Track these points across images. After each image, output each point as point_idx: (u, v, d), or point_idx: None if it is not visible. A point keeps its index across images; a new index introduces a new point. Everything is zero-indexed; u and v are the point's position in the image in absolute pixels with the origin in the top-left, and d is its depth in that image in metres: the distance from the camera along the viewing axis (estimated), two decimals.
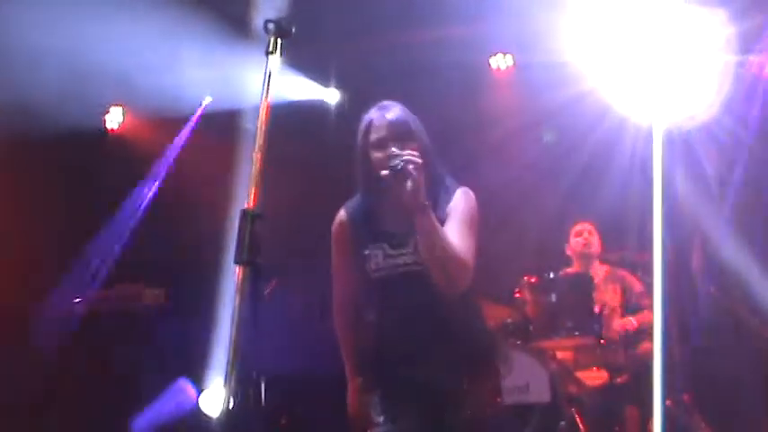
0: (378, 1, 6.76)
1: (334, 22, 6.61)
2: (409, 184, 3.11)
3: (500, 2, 6.40)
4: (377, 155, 3.34)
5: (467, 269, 3.22)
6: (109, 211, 7.80)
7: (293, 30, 2.57)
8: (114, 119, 8.15)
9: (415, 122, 3.42)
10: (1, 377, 7.00)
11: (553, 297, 6.16)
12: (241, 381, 2.92)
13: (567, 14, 5.96)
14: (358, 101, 7.71)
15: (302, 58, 6.50)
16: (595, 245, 6.58)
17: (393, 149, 3.24)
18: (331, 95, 7.87)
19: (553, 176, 7.17)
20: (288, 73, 6.88)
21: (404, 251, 3.32)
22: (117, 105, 8.10)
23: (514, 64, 7.47)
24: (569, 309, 6.13)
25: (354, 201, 3.55)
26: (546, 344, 6.11)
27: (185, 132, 7.82)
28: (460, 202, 3.37)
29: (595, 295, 6.23)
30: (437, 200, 3.34)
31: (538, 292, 6.23)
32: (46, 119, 6.99)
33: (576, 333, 6.09)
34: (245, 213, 2.32)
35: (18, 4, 6.36)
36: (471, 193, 3.44)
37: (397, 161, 3.17)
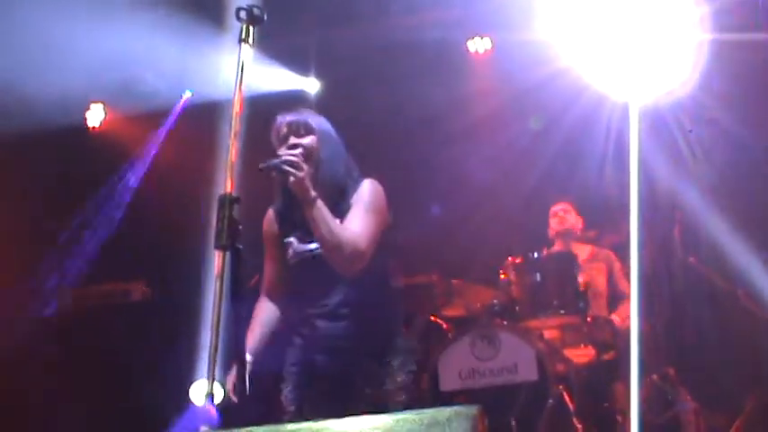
0: None
1: (312, 11, 6.62)
2: (291, 179, 3.35)
3: None
4: (280, 151, 3.58)
5: (358, 253, 3.45)
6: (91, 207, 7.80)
7: (265, 17, 2.61)
8: (96, 116, 8.13)
9: (317, 121, 3.67)
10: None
11: (537, 276, 6.21)
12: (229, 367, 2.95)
13: None
14: (338, 90, 7.74)
15: (280, 49, 6.51)
16: (571, 222, 6.63)
17: (290, 142, 3.55)
18: (311, 85, 7.88)
19: (531, 156, 7.20)
20: (267, 63, 6.88)
21: (314, 238, 3.53)
22: (97, 102, 8.07)
23: (492, 46, 7.49)
24: (554, 287, 6.18)
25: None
26: (532, 323, 6.16)
27: (165, 126, 7.80)
28: (364, 191, 3.62)
29: (580, 274, 6.27)
30: (344, 190, 3.61)
31: (522, 272, 6.27)
32: (26, 117, 6.98)
33: (562, 311, 6.13)
34: (222, 199, 2.35)
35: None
36: (377, 183, 3.68)
37: (276, 161, 3.43)
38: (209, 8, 6.47)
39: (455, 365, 5.91)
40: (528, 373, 5.75)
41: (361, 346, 3.56)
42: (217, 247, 2.35)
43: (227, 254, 2.38)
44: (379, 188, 3.67)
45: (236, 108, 2.48)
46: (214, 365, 2.28)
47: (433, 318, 6.57)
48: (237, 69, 2.56)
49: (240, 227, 2.36)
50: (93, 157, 7.95)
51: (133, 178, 7.98)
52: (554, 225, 6.65)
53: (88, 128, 8.11)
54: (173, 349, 6.96)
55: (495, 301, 6.27)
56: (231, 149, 2.40)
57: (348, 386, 3.52)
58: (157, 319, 7.24)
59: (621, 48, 4.20)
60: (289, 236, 3.67)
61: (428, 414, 2.16)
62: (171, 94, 7.72)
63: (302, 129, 3.59)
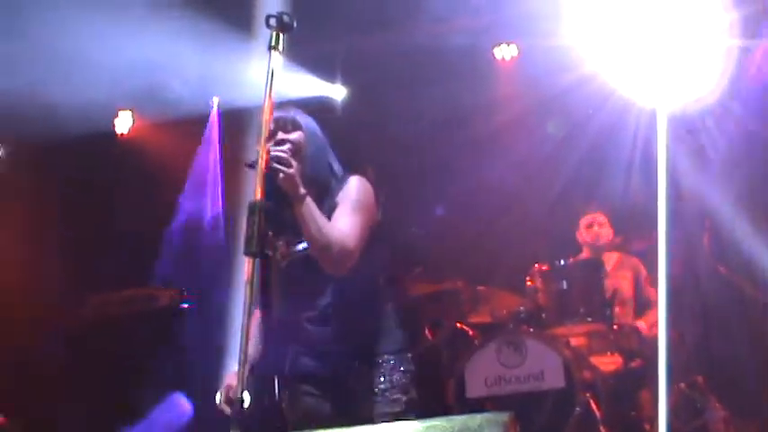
0: None
1: (339, 18, 6.63)
2: (281, 176, 3.26)
3: None
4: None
5: (347, 252, 3.38)
6: (122, 215, 7.83)
7: (295, 24, 2.60)
8: (124, 123, 8.18)
9: (304, 118, 3.61)
10: (16, 384, 7.09)
11: (564, 284, 6.19)
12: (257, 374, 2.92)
13: None
14: (364, 96, 7.75)
15: (307, 55, 6.53)
16: (605, 236, 6.59)
17: (277, 137, 3.46)
18: (337, 91, 7.89)
19: (557, 162, 7.19)
20: (293, 70, 6.91)
21: (303, 238, 3.47)
22: (125, 109, 8.13)
23: (519, 53, 7.47)
24: (581, 295, 6.17)
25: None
26: (559, 331, 6.14)
27: (203, 135, 7.82)
28: (351, 189, 3.55)
29: (607, 282, 6.25)
30: (328, 188, 3.55)
31: (549, 279, 6.26)
32: (55, 125, 7.05)
33: (589, 319, 6.12)
34: (253, 205, 2.35)
35: (23, 8, 6.41)
36: (365, 180, 3.61)
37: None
38: (235, 14, 6.49)
39: (481, 372, 5.91)
40: (555, 380, 5.74)
41: (351, 347, 3.50)
42: (246, 254, 2.35)
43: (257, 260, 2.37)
44: (367, 185, 3.61)
45: (266, 115, 2.49)
46: (244, 371, 2.29)
47: (458, 324, 6.56)
48: (267, 76, 2.56)
49: (270, 233, 2.36)
50: (122, 164, 8.00)
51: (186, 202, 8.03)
52: (587, 238, 6.58)
53: (116, 135, 8.15)
54: (199, 355, 6.99)
55: (521, 307, 6.26)
56: (261, 156, 2.41)
57: (340, 388, 3.47)
58: (184, 324, 7.28)
59: (649, 53, 4.17)
60: (277, 236, 3.51)
61: (459, 421, 2.16)
62: (198, 101, 7.76)
63: (289, 125, 3.55)
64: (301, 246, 3.48)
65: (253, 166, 3.19)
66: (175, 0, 6.44)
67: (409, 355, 3.62)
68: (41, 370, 7.29)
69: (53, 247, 7.57)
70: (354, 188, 3.54)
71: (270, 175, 3.26)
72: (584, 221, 6.62)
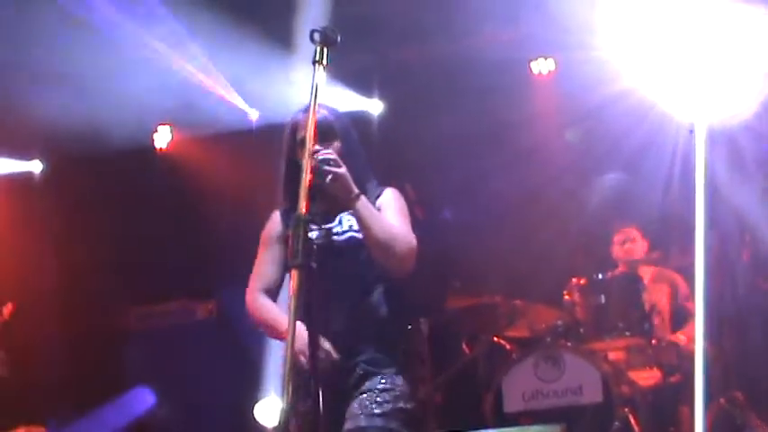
0: (418, 9, 6.82)
1: (376, 32, 6.67)
2: (330, 177, 3.17)
3: (538, 3, 6.44)
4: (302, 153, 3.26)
5: (412, 247, 3.32)
6: (162, 228, 7.90)
7: (339, 38, 2.62)
8: (163, 138, 8.25)
9: (339, 122, 3.47)
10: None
11: (602, 298, 6.18)
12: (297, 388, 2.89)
13: (607, 11, 5.95)
14: (401, 110, 7.78)
15: (344, 69, 6.56)
16: (639, 251, 6.59)
17: (321, 150, 3.25)
18: (374, 106, 7.93)
19: (594, 176, 7.18)
20: (331, 84, 6.94)
21: (330, 225, 3.34)
22: (165, 124, 8.21)
23: (556, 67, 7.47)
24: (619, 309, 6.15)
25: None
26: (597, 345, 6.13)
27: (240, 149, 7.85)
28: (392, 198, 3.48)
29: (645, 295, 6.23)
30: (365, 192, 3.37)
31: (587, 293, 6.25)
32: (97, 139, 7.14)
33: (627, 333, 6.10)
34: (298, 219, 2.38)
35: (60, 27, 6.50)
36: (398, 191, 3.54)
37: (317, 165, 3.19)
38: (274, 28, 6.55)
39: (519, 386, 5.91)
40: (593, 395, 5.73)
41: (353, 351, 3.30)
42: (292, 266, 2.37)
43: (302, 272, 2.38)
44: (401, 195, 3.55)
45: (311, 130, 2.51)
46: (289, 383, 2.31)
47: (496, 338, 6.56)
48: (311, 91, 2.58)
49: (315, 246, 2.38)
50: (161, 178, 8.07)
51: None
52: (619, 253, 6.60)
53: (155, 149, 8.23)
54: (237, 368, 7.04)
55: (559, 322, 6.25)
56: (306, 170, 2.44)
57: (341, 391, 3.28)
58: (222, 337, 7.34)
59: (687, 67, 4.17)
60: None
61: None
62: (236, 115, 7.82)
63: (326, 129, 3.36)
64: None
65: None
66: (214, 15, 6.50)
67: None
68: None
69: (94, 260, 7.65)
70: (394, 197, 3.49)
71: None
72: (617, 237, 6.64)
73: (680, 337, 6.18)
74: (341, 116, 3.51)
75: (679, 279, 6.50)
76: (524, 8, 6.63)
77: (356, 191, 3.24)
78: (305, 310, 2.44)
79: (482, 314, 6.65)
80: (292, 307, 2.35)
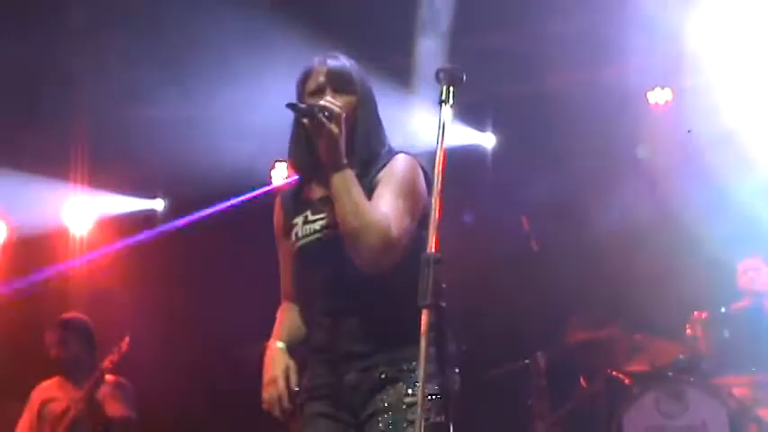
0: (532, 44, 6.82)
1: (490, 67, 6.68)
2: (324, 131, 2.76)
3: (652, 34, 6.36)
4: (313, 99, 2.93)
5: (389, 242, 2.74)
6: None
7: (464, 77, 2.64)
8: (280, 174, 8.36)
9: (358, 73, 3.03)
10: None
11: (726, 332, 6.05)
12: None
13: (722, 38, 5.86)
14: (514, 144, 7.77)
15: (458, 105, 6.59)
16: (763, 282, 6.41)
17: (328, 98, 2.86)
18: (487, 140, 7.94)
19: (719, 207, 7.01)
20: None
21: (322, 215, 2.92)
22: (282, 161, 8.33)
23: (673, 97, 7.36)
24: (744, 344, 6.00)
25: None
26: (720, 381, 5.98)
27: None
28: (397, 165, 2.91)
29: None
30: (372, 160, 2.95)
31: (710, 327, 6.13)
32: (217, 178, 7.32)
33: (753, 369, 5.95)
34: (427, 258, 2.40)
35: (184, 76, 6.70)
36: (414, 159, 2.97)
37: (311, 105, 2.84)
38: (391, 66, 6.61)
39: (640, 422, 5.82)
40: None
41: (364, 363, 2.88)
42: (421, 306, 2.38)
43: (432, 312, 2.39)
44: (415, 164, 2.95)
45: (439, 167, 2.52)
46: (421, 424, 2.32)
47: (614, 372, 6.46)
48: (438, 130, 2.59)
49: (444, 285, 2.39)
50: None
51: None
52: (745, 284, 6.43)
53: (272, 185, 8.36)
54: None
55: (680, 356, 6.12)
56: (435, 208, 2.45)
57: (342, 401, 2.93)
58: None
59: None
60: (294, 217, 3.02)
61: None
62: None
63: (344, 78, 2.97)
64: (318, 224, 2.94)
65: (295, 110, 2.83)
66: (333, 46, 6.59)
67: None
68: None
69: (212, 298, 7.79)
70: (401, 167, 2.91)
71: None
72: (741, 267, 6.48)
73: None
74: (364, 75, 3.06)
75: None
76: (638, 39, 6.54)
77: (343, 160, 2.78)
78: (436, 352, 2.42)
79: (600, 348, 6.56)
80: (423, 347, 2.36)
